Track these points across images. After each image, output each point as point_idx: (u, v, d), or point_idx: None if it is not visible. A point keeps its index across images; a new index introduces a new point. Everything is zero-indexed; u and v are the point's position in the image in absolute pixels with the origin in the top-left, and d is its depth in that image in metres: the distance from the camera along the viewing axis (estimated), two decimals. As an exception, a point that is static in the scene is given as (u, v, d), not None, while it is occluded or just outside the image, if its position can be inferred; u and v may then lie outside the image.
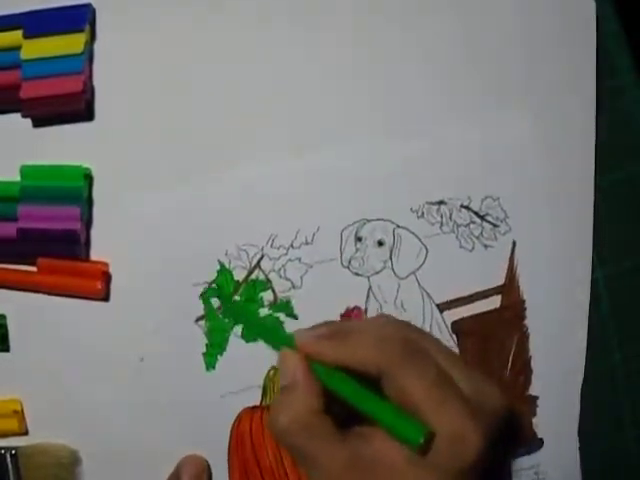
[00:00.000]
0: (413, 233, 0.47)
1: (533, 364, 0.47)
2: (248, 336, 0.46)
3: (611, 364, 0.47)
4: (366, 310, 0.46)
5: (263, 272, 0.46)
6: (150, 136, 0.46)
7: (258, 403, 0.46)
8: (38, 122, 0.47)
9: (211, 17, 0.47)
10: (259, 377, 0.46)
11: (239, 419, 0.46)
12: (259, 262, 0.46)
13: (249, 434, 0.46)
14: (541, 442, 0.47)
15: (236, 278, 0.46)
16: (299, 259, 0.46)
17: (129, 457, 0.46)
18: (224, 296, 0.46)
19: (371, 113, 0.47)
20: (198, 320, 0.46)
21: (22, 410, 0.46)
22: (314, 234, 0.46)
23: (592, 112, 0.47)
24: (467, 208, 0.47)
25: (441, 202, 0.47)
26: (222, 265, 0.46)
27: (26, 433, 0.46)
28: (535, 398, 0.47)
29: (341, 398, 0.38)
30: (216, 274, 0.46)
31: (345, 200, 0.47)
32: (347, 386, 0.38)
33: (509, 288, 0.47)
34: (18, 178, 0.45)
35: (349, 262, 0.47)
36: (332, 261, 0.47)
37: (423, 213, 0.47)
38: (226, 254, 0.46)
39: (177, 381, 0.46)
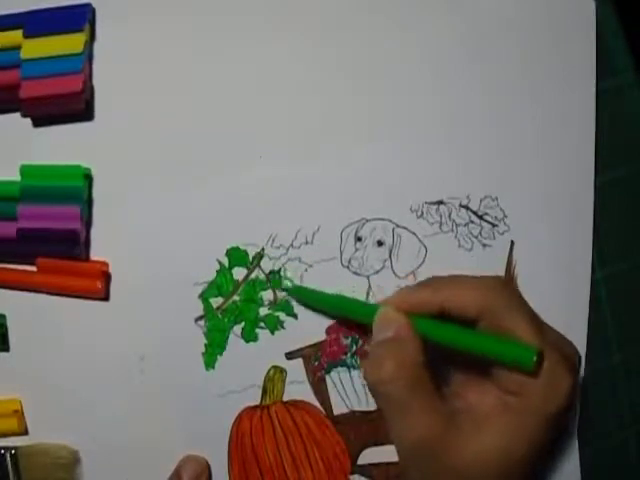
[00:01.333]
0: (412, 233, 0.47)
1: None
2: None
3: (611, 364, 0.47)
4: None
5: (263, 271, 0.47)
6: (150, 136, 0.46)
7: (258, 403, 0.46)
8: (38, 122, 0.47)
9: (211, 17, 0.47)
10: (259, 377, 0.46)
11: (239, 419, 0.46)
12: (259, 261, 0.46)
13: (249, 434, 0.46)
14: None
15: (236, 278, 0.46)
16: (299, 259, 0.46)
17: (129, 457, 0.46)
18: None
19: (371, 113, 0.47)
20: (198, 320, 0.46)
21: (22, 410, 0.46)
22: (314, 234, 0.46)
23: (592, 112, 0.47)
24: (466, 208, 0.47)
25: (440, 202, 0.47)
26: (221, 265, 0.46)
27: (26, 433, 0.46)
28: None
29: (443, 345, 0.39)
30: (215, 274, 0.46)
31: (345, 200, 0.46)
32: (448, 329, 0.39)
33: (507, 287, 0.47)
34: (18, 178, 0.45)
35: (349, 262, 0.47)
36: (332, 261, 0.47)
37: (422, 213, 0.47)
38: (226, 253, 0.46)
39: (177, 381, 0.46)
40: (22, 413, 0.46)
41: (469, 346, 0.38)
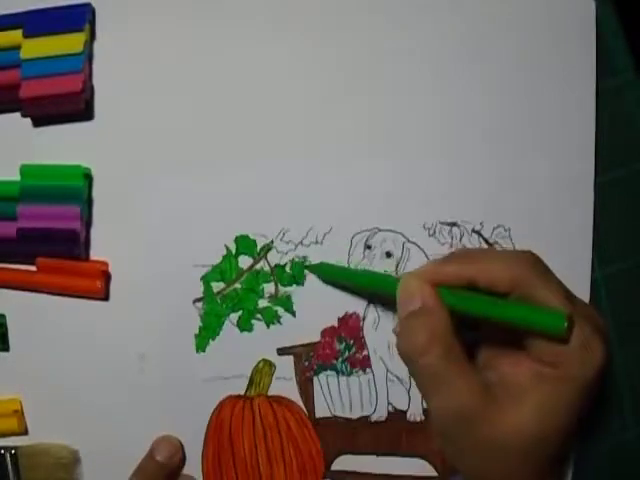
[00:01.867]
0: (422, 249, 0.46)
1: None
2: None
3: (611, 364, 0.47)
4: (364, 318, 0.46)
5: (268, 264, 0.47)
6: (150, 136, 0.46)
7: (243, 393, 0.46)
8: (38, 122, 0.47)
9: (211, 17, 0.47)
10: (248, 367, 0.46)
11: (221, 406, 0.46)
12: (266, 253, 0.46)
13: (228, 422, 0.46)
14: None
15: (240, 266, 0.46)
16: (306, 257, 0.46)
17: (129, 457, 0.46)
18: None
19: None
20: (196, 302, 0.46)
21: (22, 410, 0.46)
22: (325, 235, 0.46)
23: (592, 112, 0.47)
24: (478, 233, 0.47)
25: (454, 224, 0.47)
26: (228, 250, 0.46)
27: (26, 433, 0.47)
28: None
29: (471, 316, 0.38)
30: (221, 258, 0.46)
31: (360, 206, 0.46)
32: (477, 299, 0.38)
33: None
34: (18, 178, 0.45)
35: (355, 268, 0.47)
36: (339, 264, 0.46)
37: (435, 231, 0.46)
38: (234, 240, 0.46)
39: (176, 377, 0.46)
40: (22, 413, 0.46)
41: (498, 316, 0.38)
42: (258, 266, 0.47)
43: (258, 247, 0.47)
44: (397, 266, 0.46)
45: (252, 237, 0.47)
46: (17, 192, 0.45)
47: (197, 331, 0.46)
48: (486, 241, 0.46)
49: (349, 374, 0.47)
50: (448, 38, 0.47)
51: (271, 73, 0.47)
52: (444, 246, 0.46)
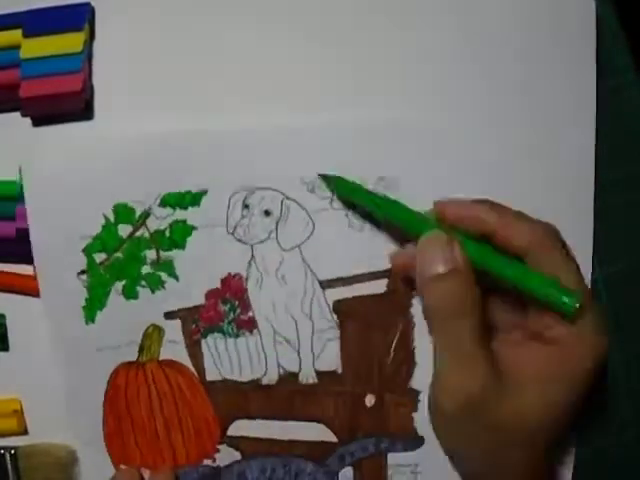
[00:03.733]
0: (301, 206, 0.45)
1: (417, 356, 0.45)
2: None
3: (611, 364, 0.47)
4: (247, 278, 0.46)
5: (148, 230, 0.46)
6: (150, 135, 0.46)
7: (135, 359, 0.46)
8: (37, 121, 0.47)
9: (211, 16, 0.47)
10: (137, 334, 0.46)
11: (115, 373, 0.46)
12: (145, 220, 0.46)
13: (124, 389, 0.46)
14: (421, 440, 0.45)
15: (120, 234, 0.46)
16: (185, 221, 0.46)
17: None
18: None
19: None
20: (80, 274, 0.46)
21: (22, 410, 0.46)
22: (202, 196, 0.46)
23: (592, 112, 0.47)
24: None
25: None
26: (107, 220, 0.46)
27: (26, 433, 0.47)
28: (417, 392, 0.45)
29: (491, 273, 0.38)
30: (101, 229, 0.46)
31: (236, 166, 0.45)
32: (498, 259, 0.38)
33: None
34: (17, 177, 0.45)
35: (234, 228, 0.46)
36: (217, 226, 0.46)
37: (314, 187, 0.46)
38: (113, 209, 0.46)
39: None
40: (22, 413, 0.46)
41: (516, 280, 0.38)
42: (138, 233, 0.46)
43: (137, 214, 0.46)
44: (277, 224, 0.45)
45: (130, 205, 0.46)
46: (17, 192, 0.45)
47: (84, 303, 0.46)
48: None
49: (236, 336, 0.46)
50: (448, 37, 0.47)
51: (265, 76, 0.47)
52: (324, 201, 0.45)
